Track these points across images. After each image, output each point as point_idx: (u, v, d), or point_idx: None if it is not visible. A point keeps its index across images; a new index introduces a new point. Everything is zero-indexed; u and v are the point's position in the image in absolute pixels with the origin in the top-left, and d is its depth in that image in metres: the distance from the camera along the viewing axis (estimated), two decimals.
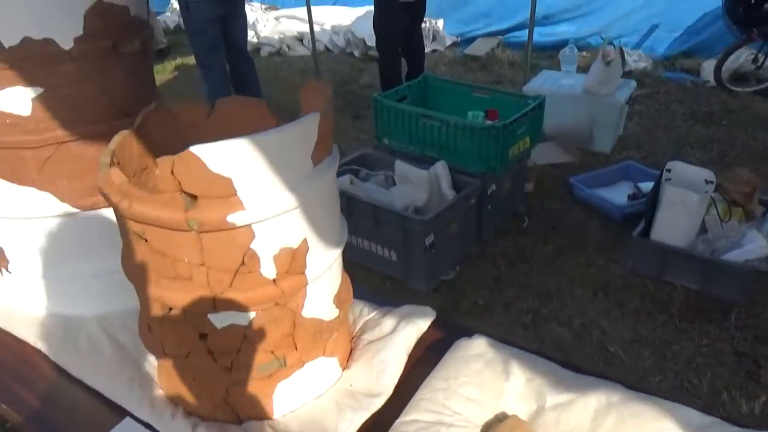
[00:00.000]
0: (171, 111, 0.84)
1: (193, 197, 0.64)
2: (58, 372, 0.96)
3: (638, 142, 3.55)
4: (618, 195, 2.91)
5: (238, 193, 0.65)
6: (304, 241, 0.74)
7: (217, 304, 0.71)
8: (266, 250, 0.70)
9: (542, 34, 5.13)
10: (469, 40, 5.80)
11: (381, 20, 3.82)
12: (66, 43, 0.87)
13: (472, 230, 2.63)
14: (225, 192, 0.65)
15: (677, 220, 2.31)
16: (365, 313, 1.03)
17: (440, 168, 2.58)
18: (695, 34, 4.93)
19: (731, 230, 2.34)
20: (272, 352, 0.77)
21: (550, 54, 5.11)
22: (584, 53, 4.90)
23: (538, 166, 3.17)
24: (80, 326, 1.03)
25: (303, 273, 0.75)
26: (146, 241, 0.69)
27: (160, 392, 0.90)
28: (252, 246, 0.68)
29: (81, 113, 0.93)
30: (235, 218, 0.65)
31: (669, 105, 4.09)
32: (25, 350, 1.02)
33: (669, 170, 2.38)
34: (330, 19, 6.31)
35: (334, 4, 6.76)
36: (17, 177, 0.94)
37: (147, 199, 0.66)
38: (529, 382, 0.82)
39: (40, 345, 1.00)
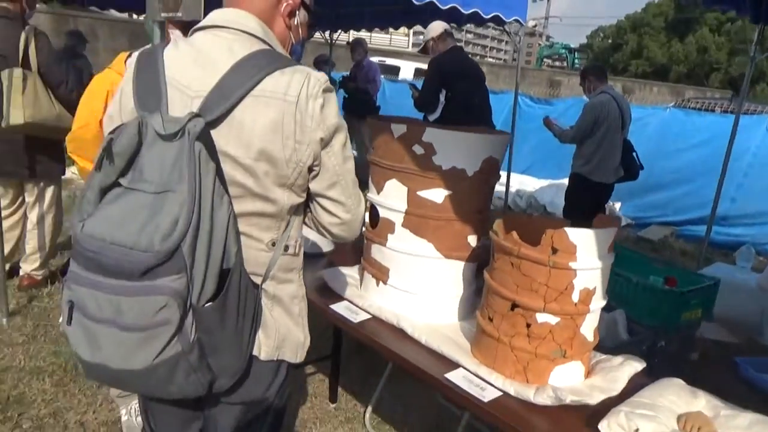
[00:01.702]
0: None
1: (555, 250, 1.38)
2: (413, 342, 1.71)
3: None
4: None
5: (577, 252, 1.38)
6: (594, 288, 1.44)
7: (545, 308, 1.41)
8: (578, 285, 1.41)
9: (719, 233, 5.55)
10: (643, 225, 6.38)
11: (574, 194, 4.60)
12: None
13: None
14: (571, 251, 1.39)
15: None
16: (599, 354, 1.67)
17: (619, 314, 3.14)
18: None
19: None
20: (560, 345, 1.44)
21: (724, 252, 5.48)
22: (761, 258, 5.20)
23: (706, 339, 3.54)
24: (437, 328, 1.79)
25: (588, 305, 1.44)
26: (518, 268, 1.44)
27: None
28: (573, 281, 1.39)
29: (451, 207, 1.76)
30: (572, 265, 1.38)
31: None
32: (393, 328, 1.78)
33: None
34: (516, 183, 7.33)
35: (522, 172, 7.83)
36: (419, 233, 1.77)
37: (530, 248, 1.42)
38: (708, 401, 1.38)
39: (403, 325, 1.76)
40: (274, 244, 1.25)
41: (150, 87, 1.19)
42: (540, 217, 1.61)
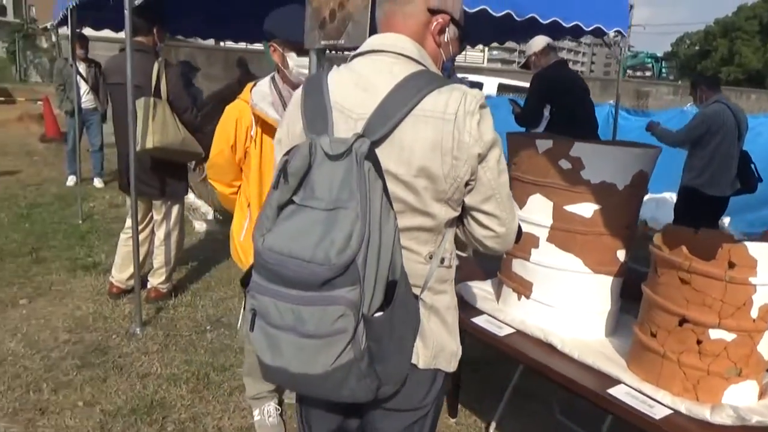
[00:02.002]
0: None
1: (732, 264, 1.34)
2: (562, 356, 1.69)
3: None
4: None
5: (757, 267, 1.33)
6: None
7: (720, 324, 1.37)
8: (758, 301, 1.35)
9: None
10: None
11: (686, 208, 4.40)
12: None
13: None
14: (752, 265, 1.34)
15: None
16: None
17: None
18: None
19: None
20: (735, 363, 1.39)
21: None
22: None
23: None
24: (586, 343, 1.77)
25: (767, 322, 1.38)
26: (688, 282, 1.40)
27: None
28: (752, 297, 1.34)
29: (600, 221, 1.74)
30: (752, 280, 1.33)
31: None
32: (539, 342, 1.77)
33: None
34: None
35: None
36: (566, 247, 1.77)
37: (703, 263, 1.38)
38: None
39: (552, 340, 1.75)
40: (431, 257, 1.29)
41: (317, 111, 1.27)
42: (706, 231, 1.56)
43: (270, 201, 1.19)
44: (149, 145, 3.31)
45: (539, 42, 4.23)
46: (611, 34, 5.03)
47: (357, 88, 1.26)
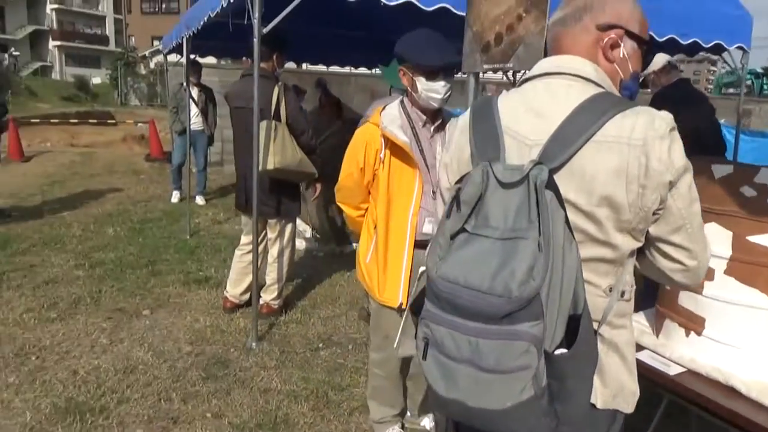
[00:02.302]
0: None
1: None
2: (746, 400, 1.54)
3: None
4: None
5: None
6: None
7: None
8: None
9: None
10: None
11: None
12: None
13: None
14: None
15: None
16: None
17: None
18: None
19: None
20: None
21: None
22: None
23: None
24: None
25: None
26: None
27: None
28: None
29: None
30: None
31: None
32: (715, 384, 1.63)
33: None
34: None
35: None
36: (749, 281, 1.63)
37: None
38: None
39: (734, 383, 1.60)
40: (611, 290, 1.21)
41: (487, 136, 1.23)
42: None
43: (442, 229, 1.16)
44: (270, 166, 3.41)
45: (659, 60, 4.05)
46: (733, 50, 4.76)
47: (530, 113, 1.21)
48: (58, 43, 42.47)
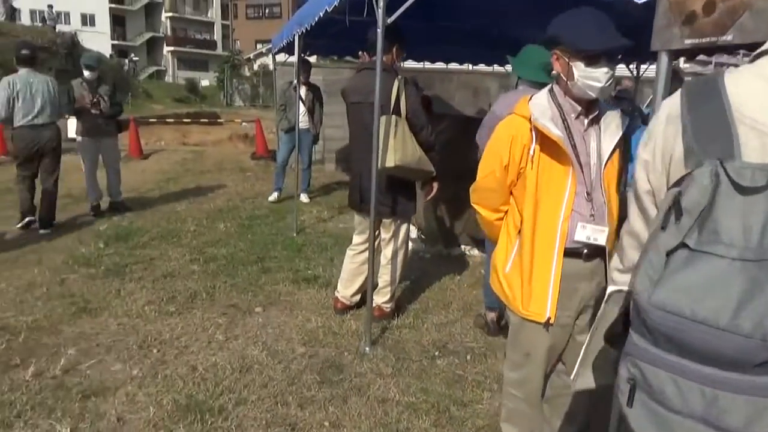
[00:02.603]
0: None
1: None
2: None
3: None
4: None
5: None
6: None
7: None
8: None
9: None
10: None
11: None
12: None
13: None
14: None
15: None
16: None
17: None
18: None
19: None
20: None
21: None
22: None
23: None
24: None
25: None
26: None
27: None
28: None
29: None
30: None
31: None
32: None
33: None
34: None
35: None
36: None
37: None
38: None
39: None
40: None
41: (712, 126, 0.95)
42: None
43: (655, 244, 0.90)
44: (390, 163, 3.25)
45: None
46: None
47: None
48: (171, 48, 45.50)
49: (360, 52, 5.37)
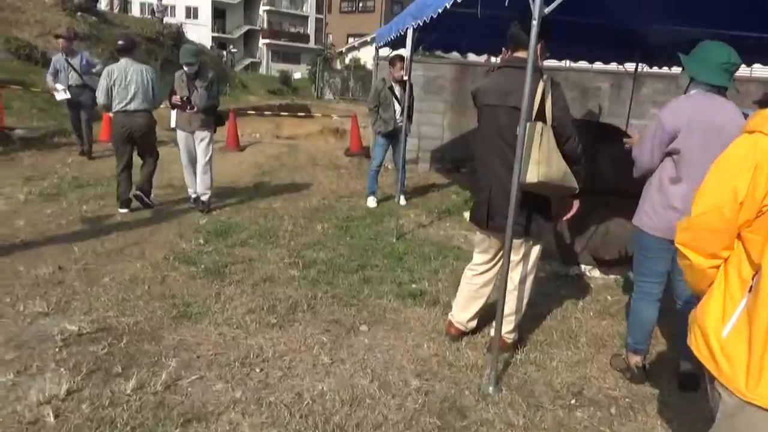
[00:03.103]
0: None
1: None
2: None
3: None
4: None
5: None
6: None
7: None
8: None
9: None
10: None
11: None
12: None
13: None
14: None
15: None
16: None
17: None
18: None
19: None
20: None
21: None
22: None
23: None
24: None
25: None
26: None
27: None
28: None
29: None
30: None
31: None
32: None
33: None
34: None
35: None
36: None
37: None
38: None
39: None
40: None
41: None
42: None
43: None
44: (532, 178, 2.79)
45: None
46: None
47: None
48: (266, 41, 46.81)
49: (504, 48, 4.89)
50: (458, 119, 10.41)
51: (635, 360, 3.10)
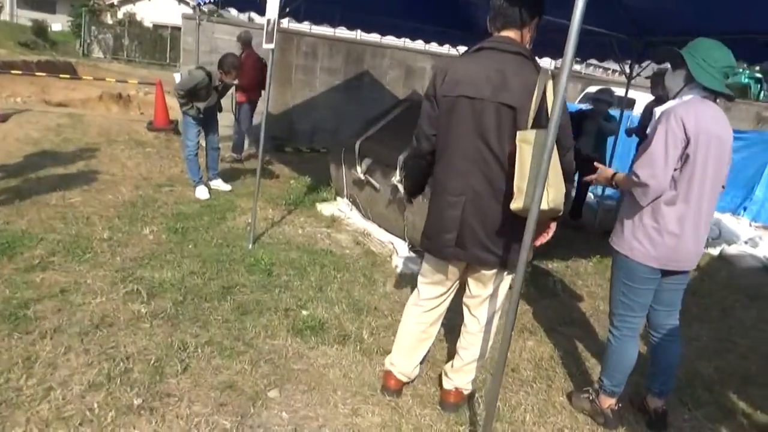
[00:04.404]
0: None
1: None
2: None
3: None
4: None
5: None
6: None
7: None
8: None
9: None
10: None
11: None
12: None
13: None
14: None
15: None
16: None
17: None
18: None
19: None
20: None
21: None
22: None
23: None
24: None
25: None
26: None
27: None
28: None
29: None
30: None
31: None
32: None
33: None
34: None
35: None
36: None
37: None
38: None
39: None
40: None
41: None
42: None
43: None
44: (543, 205, 2.09)
45: None
46: None
47: None
48: None
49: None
50: (282, 94, 9.46)
51: (609, 403, 2.68)
